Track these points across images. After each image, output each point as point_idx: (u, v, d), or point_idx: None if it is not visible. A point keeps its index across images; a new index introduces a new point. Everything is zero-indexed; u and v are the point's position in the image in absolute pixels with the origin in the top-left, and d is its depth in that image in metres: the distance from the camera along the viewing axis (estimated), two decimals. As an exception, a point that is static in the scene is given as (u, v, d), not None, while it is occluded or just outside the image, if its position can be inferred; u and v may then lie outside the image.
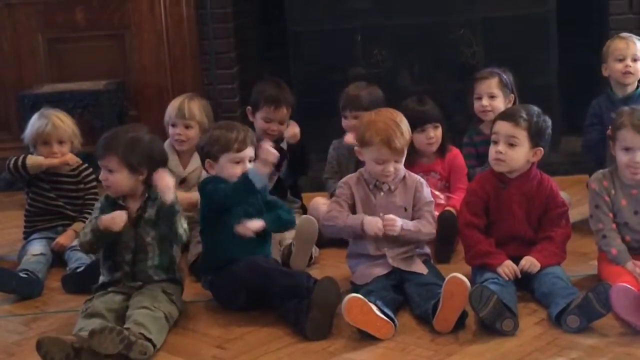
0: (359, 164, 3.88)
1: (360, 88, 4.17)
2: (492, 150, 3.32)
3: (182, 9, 5.31)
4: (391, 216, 3.29)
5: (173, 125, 4.05)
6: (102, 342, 2.87)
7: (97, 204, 3.34)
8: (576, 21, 5.31)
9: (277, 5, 5.28)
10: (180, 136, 4.02)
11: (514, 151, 3.27)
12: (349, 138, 4.02)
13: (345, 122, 4.15)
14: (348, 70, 5.20)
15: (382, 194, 3.37)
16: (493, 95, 4.02)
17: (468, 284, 2.99)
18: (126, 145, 3.25)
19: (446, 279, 3.02)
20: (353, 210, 3.37)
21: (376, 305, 3.03)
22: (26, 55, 5.41)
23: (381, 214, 3.33)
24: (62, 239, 3.93)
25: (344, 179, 3.48)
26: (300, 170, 4.23)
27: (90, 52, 5.37)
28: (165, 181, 3.21)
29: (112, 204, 3.29)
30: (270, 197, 3.50)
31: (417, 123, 3.86)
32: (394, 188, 3.37)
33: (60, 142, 4.01)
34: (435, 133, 3.95)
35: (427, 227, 3.36)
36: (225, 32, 5.30)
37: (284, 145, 4.16)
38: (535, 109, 3.35)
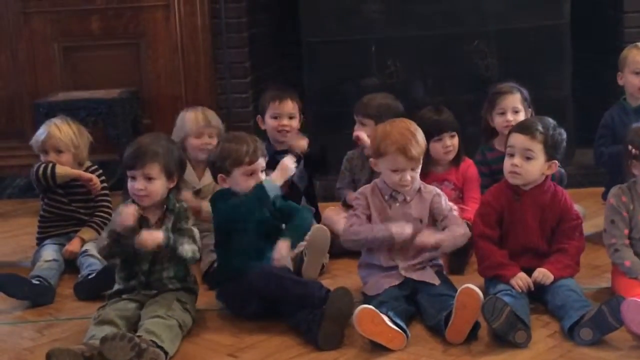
0: (373, 175, 3.88)
1: (374, 97, 4.19)
2: (507, 162, 3.31)
3: (197, 18, 5.33)
4: (425, 235, 3.28)
5: (198, 136, 4.07)
6: (113, 349, 2.87)
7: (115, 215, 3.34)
8: (590, 34, 5.31)
9: (291, 16, 5.30)
10: (207, 145, 4.02)
11: (529, 164, 3.27)
12: (363, 136, 4.02)
13: (356, 127, 4.17)
14: (362, 81, 5.21)
15: (397, 204, 3.36)
16: (517, 110, 4.00)
17: (481, 295, 2.98)
18: (166, 152, 3.27)
19: (459, 289, 3.01)
20: (369, 221, 3.37)
21: (388, 316, 3.03)
22: (42, 63, 5.44)
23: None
24: (70, 247, 3.93)
25: (359, 190, 3.48)
26: (318, 170, 4.23)
27: (105, 61, 5.40)
28: (152, 238, 3.19)
29: None
30: (283, 204, 3.49)
31: (434, 132, 3.87)
32: (410, 199, 3.36)
33: (58, 152, 4.01)
34: (452, 142, 3.95)
35: (459, 230, 3.34)
36: (240, 41, 5.33)
37: (298, 150, 4.16)
38: (551, 121, 3.34)
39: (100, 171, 4.12)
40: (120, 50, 5.42)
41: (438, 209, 3.38)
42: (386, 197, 3.37)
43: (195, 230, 3.33)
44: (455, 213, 3.78)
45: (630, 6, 5.09)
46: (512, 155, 3.29)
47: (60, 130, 4.02)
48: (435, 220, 3.39)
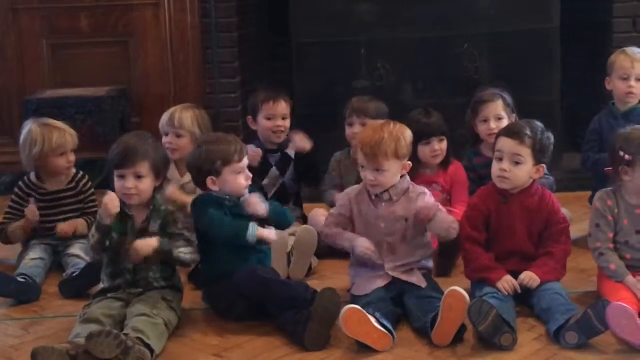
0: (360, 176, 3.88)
1: (366, 99, 4.21)
2: (495, 167, 3.31)
3: (187, 17, 5.32)
4: (427, 204, 3.27)
5: (165, 134, 4.05)
6: (99, 345, 2.86)
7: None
8: (579, 38, 5.33)
9: (281, 16, 5.29)
10: (171, 144, 4.00)
11: (518, 169, 3.27)
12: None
13: (349, 130, 4.15)
14: (351, 83, 5.21)
15: (383, 204, 3.35)
16: (500, 117, 4.00)
17: (467, 297, 2.98)
18: (154, 150, 3.28)
19: (445, 292, 3.01)
20: (351, 222, 3.37)
21: (374, 316, 3.03)
22: (30, 60, 5.42)
23: (382, 225, 3.34)
24: (65, 225, 3.92)
25: (345, 190, 3.48)
26: (310, 180, 4.24)
27: (94, 59, 5.38)
28: (146, 244, 3.21)
29: (119, 213, 3.26)
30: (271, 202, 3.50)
31: (422, 135, 3.86)
32: (396, 199, 3.35)
33: (72, 150, 4.00)
34: (440, 146, 3.94)
35: (449, 217, 3.31)
36: (229, 41, 5.31)
37: (290, 151, 4.16)
38: (539, 125, 3.35)
39: (88, 177, 4.09)
40: (109, 48, 5.39)
41: (421, 200, 3.33)
42: (373, 197, 3.36)
43: (187, 233, 3.33)
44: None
45: (620, 11, 5.11)
46: (500, 160, 3.29)
47: (70, 129, 4.01)
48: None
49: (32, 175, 4.02)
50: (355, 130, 4.11)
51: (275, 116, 4.11)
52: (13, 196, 4.03)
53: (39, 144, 3.93)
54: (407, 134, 3.35)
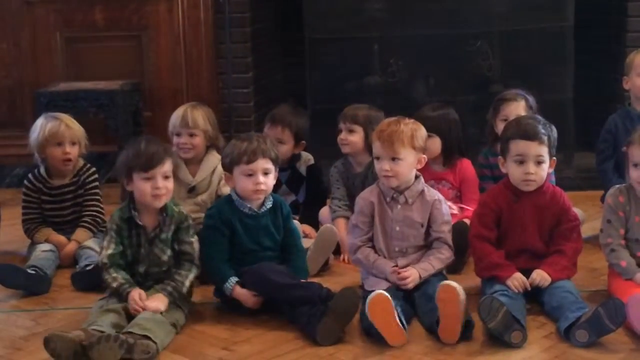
0: (366, 179, 3.86)
1: (360, 107, 4.09)
2: (518, 171, 3.27)
3: (200, 12, 5.33)
4: (405, 273, 3.22)
5: (178, 135, 4.00)
6: (102, 352, 2.85)
7: (111, 225, 3.28)
8: (593, 37, 5.31)
9: (295, 12, 5.29)
10: (185, 145, 3.96)
11: (541, 168, 3.26)
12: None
13: (340, 136, 4.03)
14: (364, 79, 5.21)
15: (399, 207, 3.32)
16: None
17: (458, 288, 2.95)
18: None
19: (437, 288, 2.99)
20: (372, 223, 3.33)
21: (396, 310, 3.01)
22: (44, 53, 5.43)
23: (397, 229, 3.31)
24: (68, 248, 3.91)
25: (361, 195, 3.40)
26: (317, 202, 4.17)
27: (108, 52, 5.40)
28: (156, 308, 3.16)
29: (128, 222, 3.26)
30: (292, 226, 3.45)
31: None
32: (412, 201, 3.32)
33: (73, 143, 4.00)
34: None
35: (445, 254, 3.31)
36: (243, 36, 5.31)
37: (301, 168, 4.15)
38: (540, 119, 3.36)
39: (94, 170, 4.08)
40: (122, 42, 5.41)
41: (435, 216, 3.32)
42: (387, 199, 3.33)
43: (196, 245, 3.31)
44: (455, 212, 3.79)
45: (634, 10, 5.09)
46: (521, 163, 3.26)
47: (73, 122, 4.02)
48: (429, 225, 3.34)
49: (42, 169, 4.04)
50: (342, 137, 4.01)
51: (268, 137, 4.08)
52: (24, 189, 4.04)
53: (36, 133, 4.00)
54: (422, 129, 3.35)
